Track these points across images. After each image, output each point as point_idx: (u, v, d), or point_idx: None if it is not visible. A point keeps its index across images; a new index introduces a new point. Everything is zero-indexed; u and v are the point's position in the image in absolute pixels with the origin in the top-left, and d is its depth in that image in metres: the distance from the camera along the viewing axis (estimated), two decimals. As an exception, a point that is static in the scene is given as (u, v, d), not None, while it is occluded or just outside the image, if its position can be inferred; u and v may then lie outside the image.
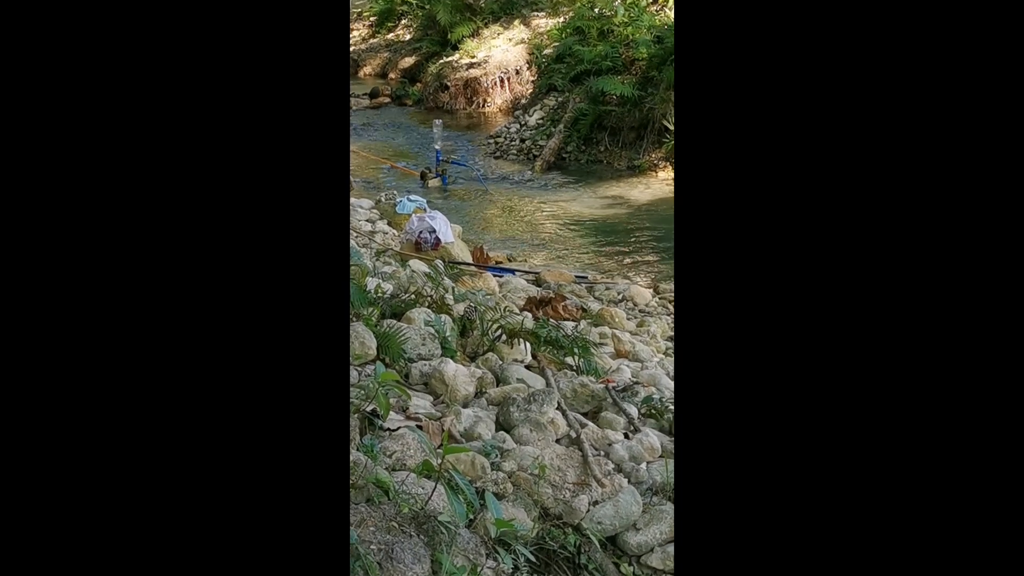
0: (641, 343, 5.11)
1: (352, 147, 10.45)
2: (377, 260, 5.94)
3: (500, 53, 13.27)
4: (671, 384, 4.03)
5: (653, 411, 3.48)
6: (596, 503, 2.71)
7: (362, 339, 3.39)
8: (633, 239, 8.14)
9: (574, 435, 3.05)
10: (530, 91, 12.54)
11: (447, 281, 5.12)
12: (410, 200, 7.88)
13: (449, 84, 13.30)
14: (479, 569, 2.16)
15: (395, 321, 3.81)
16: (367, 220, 7.74)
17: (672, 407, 3.47)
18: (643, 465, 2.98)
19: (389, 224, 7.69)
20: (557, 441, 3.05)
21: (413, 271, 5.47)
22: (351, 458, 2.36)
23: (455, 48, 13.92)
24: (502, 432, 3.05)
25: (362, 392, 2.83)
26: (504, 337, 3.98)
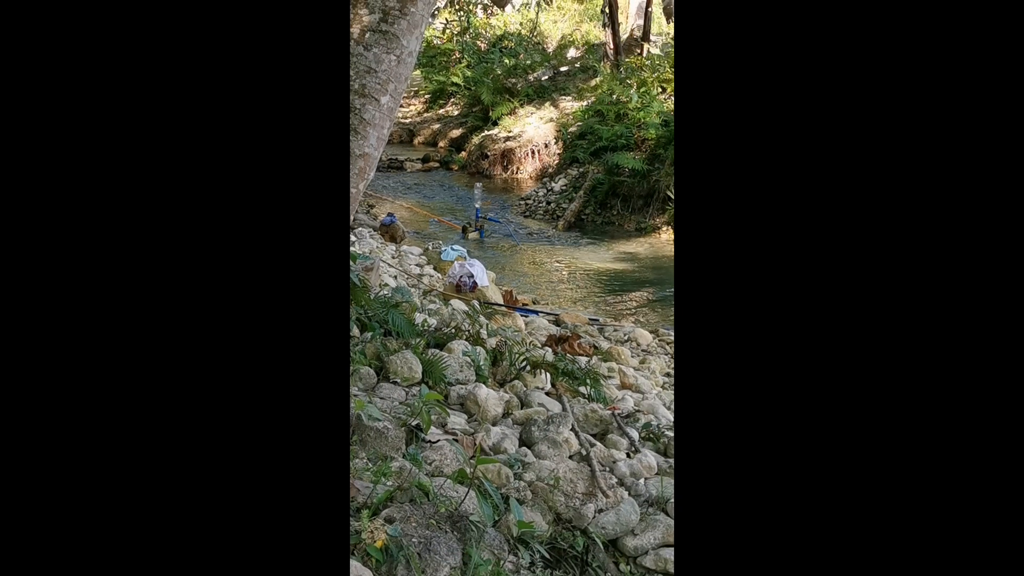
0: (643, 377, 5.39)
1: (406, 203, 11.59)
2: (424, 299, 6.50)
3: (532, 129, 14.71)
4: (667, 413, 4.28)
5: (651, 435, 3.69)
6: (601, 511, 2.86)
7: (410, 364, 3.62)
8: (638, 289, 8.82)
9: (584, 453, 3.18)
10: (556, 162, 13.77)
11: (482, 319, 5.58)
12: (453, 249, 8.78)
13: (489, 153, 14.78)
14: (502, 563, 2.27)
15: (438, 351, 4.03)
16: (416, 264, 8.56)
17: (668, 432, 3.69)
18: (642, 480, 3.13)
19: (435, 269, 8.42)
20: (570, 457, 3.18)
21: (454, 309, 5.91)
22: (397, 465, 2.49)
23: (495, 124, 15.46)
24: (524, 447, 3.18)
25: (408, 409, 3.04)
26: (528, 368, 4.16)
